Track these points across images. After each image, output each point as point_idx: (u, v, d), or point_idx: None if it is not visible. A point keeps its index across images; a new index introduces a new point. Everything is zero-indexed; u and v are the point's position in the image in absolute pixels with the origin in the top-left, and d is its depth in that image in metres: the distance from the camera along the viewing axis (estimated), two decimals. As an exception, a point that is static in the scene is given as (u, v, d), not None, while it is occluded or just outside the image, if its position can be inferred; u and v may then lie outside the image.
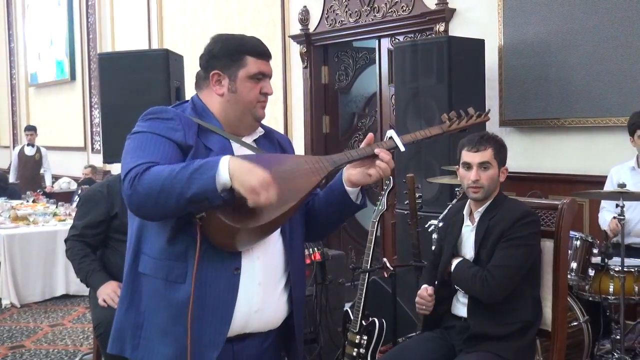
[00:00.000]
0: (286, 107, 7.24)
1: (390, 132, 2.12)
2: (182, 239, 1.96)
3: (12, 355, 5.21)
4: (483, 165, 2.88)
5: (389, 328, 3.43)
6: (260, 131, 2.19)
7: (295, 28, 7.15)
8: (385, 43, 6.43)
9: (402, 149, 2.09)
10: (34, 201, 8.49)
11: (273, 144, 2.23)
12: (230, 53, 2.08)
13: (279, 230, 2.10)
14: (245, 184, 1.79)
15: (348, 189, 2.12)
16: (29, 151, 10.42)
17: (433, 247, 3.75)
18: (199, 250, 1.91)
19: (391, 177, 3.54)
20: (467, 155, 2.91)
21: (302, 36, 7.02)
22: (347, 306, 3.87)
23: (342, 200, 2.15)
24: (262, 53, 2.11)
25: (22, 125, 12.50)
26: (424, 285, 2.98)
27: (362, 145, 2.09)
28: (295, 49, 7.18)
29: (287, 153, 2.27)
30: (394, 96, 5.78)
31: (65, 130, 11.63)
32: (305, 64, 7.06)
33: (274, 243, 2.10)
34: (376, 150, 2.04)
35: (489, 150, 2.89)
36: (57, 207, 7.97)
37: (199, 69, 2.17)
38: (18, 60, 13.51)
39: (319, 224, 2.26)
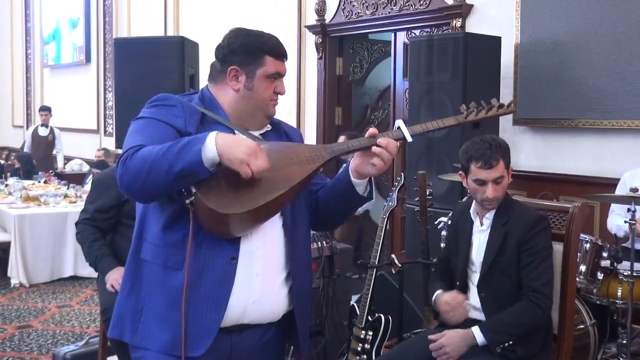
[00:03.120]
0: (299, 97, 7.23)
1: (398, 122, 2.09)
2: (181, 226, 1.97)
3: (20, 334, 5.25)
4: (496, 181, 2.84)
5: (395, 324, 3.43)
6: (268, 127, 2.19)
7: (311, 18, 7.13)
8: (401, 37, 6.41)
9: (409, 139, 2.07)
10: (45, 182, 8.55)
11: (280, 138, 2.22)
12: (251, 51, 2.08)
13: (280, 222, 2.11)
14: (232, 156, 1.82)
15: (354, 180, 2.11)
16: (43, 132, 10.45)
17: (442, 245, 3.75)
18: (192, 237, 1.93)
19: (402, 174, 3.54)
20: (480, 173, 2.82)
21: (317, 26, 7.00)
22: (353, 299, 3.87)
23: (348, 191, 2.14)
24: (281, 54, 2.13)
25: (36, 105, 12.55)
26: (453, 293, 2.90)
27: (365, 136, 2.08)
28: (310, 39, 7.16)
29: None
30: (407, 90, 5.77)
31: (79, 112, 11.67)
32: (320, 54, 7.04)
33: (275, 235, 2.10)
34: (378, 140, 2.02)
35: (500, 164, 2.82)
36: (68, 188, 8.01)
37: (213, 58, 2.17)
38: (34, 40, 13.54)
39: (326, 215, 2.25)
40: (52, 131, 10.50)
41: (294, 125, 7.07)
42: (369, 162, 2.05)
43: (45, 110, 10.55)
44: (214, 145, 1.82)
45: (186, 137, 1.90)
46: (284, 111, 7.20)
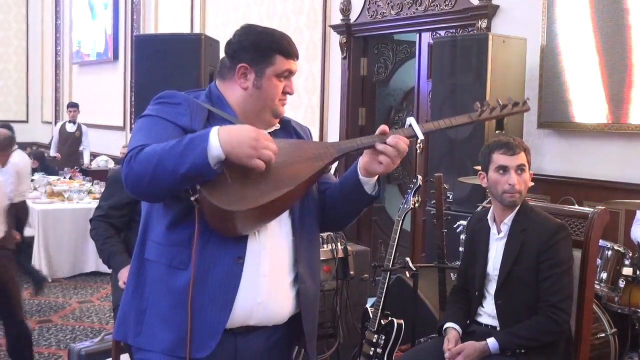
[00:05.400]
0: (323, 97, 7.18)
1: (410, 119, 2.04)
2: (186, 225, 1.94)
3: (39, 329, 5.30)
4: (520, 168, 2.82)
5: (409, 328, 3.38)
6: (277, 125, 2.16)
7: (336, 18, 7.08)
8: (426, 37, 6.33)
9: (421, 137, 2.02)
10: (70, 178, 8.62)
11: (289, 136, 2.19)
12: (261, 49, 2.05)
13: (289, 222, 2.07)
14: (240, 154, 1.81)
15: (362, 178, 2.07)
16: (70, 128, 10.54)
17: (461, 249, 3.70)
18: (197, 235, 1.91)
19: (418, 176, 3.48)
20: (502, 159, 2.81)
21: (342, 26, 6.95)
22: (370, 302, 3.82)
23: (356, 189, 2.10)
24: (292, 53, 2.09)
25: (65, 102, 12.67)
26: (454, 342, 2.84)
27: (376, 134, 2.03)
28: (335, 39, 7.11)
29: None
30: (431, 92, 5.70)
31: (106, 109, 11.75)
32: (345, 54, 6.99)
33: (283, 235, 2.06)
34: (388, 140, 1.97)
35: (522, 154, 2.83)
36: (92, 185, 8.07)
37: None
38: (63, 37, 13.68)
39: (334, 214, 2.21)
40: (79, 127, 10.59)
41: (317, 125, 7.08)
42: (377, 160, 2.01)
43: (73, 106, 10.64)
44: (217, 142, 1.80)
45: (188, 135, 1.87)
46: (308, 111, 7.17)
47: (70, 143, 10.52)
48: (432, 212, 4.16)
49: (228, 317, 1.96)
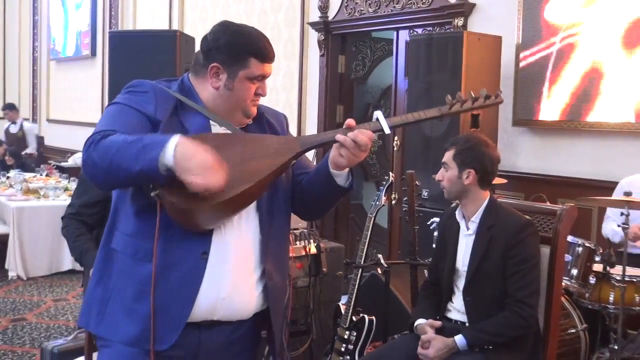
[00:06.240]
0: (301, 94, 7.18)
1: (377, 113, 2.04)
2: (151, 218, 1.93)
3: (13, 327, 5.25)
4: (444, 166, 2.95)
5: (381, 324, 3.39)
6: (249, 121, 2.15)
7: (314, 15, 7.08)
8: (404, 35, 6.35)
9: (387, 131, 2.01)
10: (47, 175, 8.55)
11: (262, 130, 2.18)
12: (235, 51, 2.03)
13: (257, 218, 2.07)
14: (184, 173, 1.78)
15: (332, 171, 2.06)
16: (13, 129, 10.49)
17: (434, 246, 3.71)
18: (158, 228, 1.91)
19: (390, 173, 3.50)
20: (445, 155, 3.00)
21: (320, 24, 6.96)
22: (344, 299, 3.83)
23: (327, 181, 2.09)
24: (268, 57, 2.07)
25: (43, 98, 12.57)
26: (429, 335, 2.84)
27: (342, 128, 2.03)
28: (313, 37, 7.11)
29: (277, 134, 2.20)
30: (407, 89, 5.72)
31: (84, 106, 11.67)
32: (323, 52, 6.99)
33: (250, 231, 2.06)
34: (349, 134, 1.97)
35: (450, 151, 2.94)
36: (69, 182, 8.01)
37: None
38: (41, 33, 13.56)
39: (310, 203, 2.21)
40: (21, 128, 10.52)
41: (295, 122, 7.07)
42: (339, 153, 2.01)
43: (9, 108, 10.55)
44: (172, 153, 1.78)
45: (149, 136, 1.87)
46: (286, 108, 7.16)
47: (17, 144, 10.42)
48: (404, 209, 4.18)
49: (190, 312, 1.96)
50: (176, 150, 1.79)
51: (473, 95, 2.12)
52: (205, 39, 2.09)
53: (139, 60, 4.47)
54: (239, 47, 2.03)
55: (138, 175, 1.82)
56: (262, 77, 2.07)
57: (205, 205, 1.84)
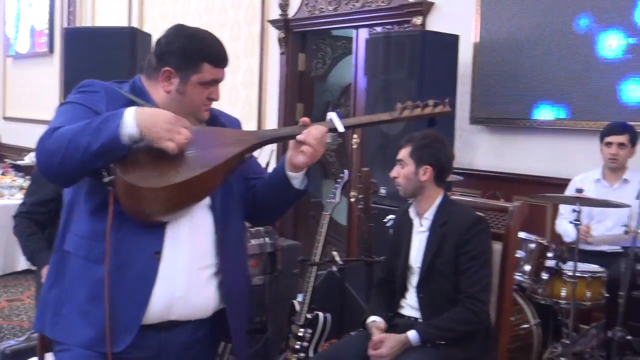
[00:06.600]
0: (261, 92, 7.16)
1: (330, 114, 2.07)
2: (104, 218, 1.91)
3: (-35, 328, 5.15)
4: (399, 163, 2.95)
5: (337, 322, 3.40)
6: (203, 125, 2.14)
7: (274, 13, 7.07)
8: (363, 33, 6.37)
9: (341, 129, 2.04)
10: (2, 174, 8.39)
11: None
12: (188, 56, 2.00)
13: (210, 216, 2.06)
14: (154, 134, 1.82)
15: (289, 173, 2.08)
16: None
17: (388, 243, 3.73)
18: (111, 219, 1.89)
19: (345, 171, 3.51)
20: (400, 153, 2.99)
21: (280, 21, 6.94)
22: (300, 297, 3.84)
23: (284, 184, 2.10)
24: (221, 62, 2.06)
25: (-1, 96, 12.33)
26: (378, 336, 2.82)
27: (297, 125, 2.05)
28: (273, 34, 7.10)
29: None
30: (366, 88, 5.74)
31: (42, 103, 11.47)
32: (283, 49, 6.98)
33: (204, 230, 2.05)
34: (308, 128, 1.99)
35: (406, 148, 2.95)
36: (24, 180, 7.87)
37: None
38: (-4, 30, 13.31)
39: (264, 208, 2.21)
40: None
41: (255, 120, 7.05)
42: (300, 151, 2.02)
43: None
44: (132, 120, 1.80)
45: (101, 115, 1.87)
46: (246, 106, 7.14)
47: None
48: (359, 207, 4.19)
49: (144, 312, 1.94)
50: (136, 117, 1.81)
51: (421, 103, 2.17)
52: (158, 42, 2.07)
53: (95, 57, 4.42)
54: (192, 52, 2.01)
55: (97, 153, 1.80)
56: (215, 82, 2.06)
57: (158, 186, 1.84)
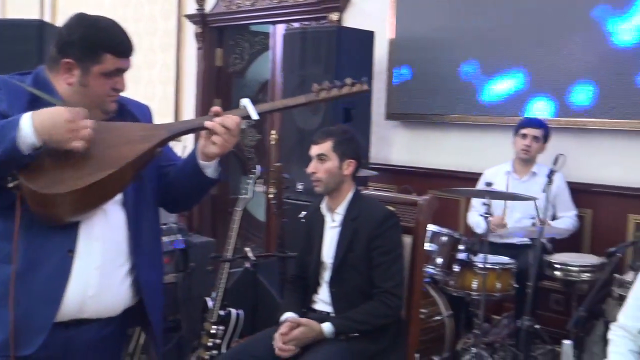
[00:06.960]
0: (178, 87, 7.06)
1: (244, 101, 2.03)
2: (11, 217, 1.85)
3: None
4: (320, 158, 2.90)
5: (250, 319, 3.38)
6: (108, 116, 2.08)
7: (191, 7, 6.98)
8: (281, 29, 6.37)
9: (255, 117, 2.01)
10: None
11: (124, 121, 2.11)
12: (89, 46, 1.93)
13: (123, 213, 2.02)
14: (57, 137, 1.76)
15: (201, 162, 2.05)
16: None
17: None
18: (18, 223, 1.84)
19: (257, 166, 3.49)
20: (310, 149, 2.93)
21: (197, 16, 6.86)
22: (214, 294, 3.80)
23: (195, 173, 2.07)
24: (123, 51, 1.99)
25: None
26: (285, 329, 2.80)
27: (208, 115, 2.01)
28: (190, 29, 7.01)
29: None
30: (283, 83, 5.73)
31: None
32: (200, 44, 6.90)
33: (117, 226, 2.01)
34: (217, 118, 1.95)
35: (327, 142, 2.90)
36: None
37: None
38: None
39: (177, 195, 2.18)
40: None
41: (172, 116, 6.94)
42: (211, 141, 1.99)
43: None
44: (30, 129, 1.73)
45: (1, 121, 1.78)
46: (162, 102, 7.02)
47: None
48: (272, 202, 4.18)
49: (56, 312, 1.90)
50: (33, 122, 1.75)
51: (338, 82, 2.13)
52: (59, 33, 2.00)
53: (1, 50, 4.25)
54: (93, 42, 1.94)
55: None
56: (119, 72, 2.00)
57: (64, 192, 1.79)
